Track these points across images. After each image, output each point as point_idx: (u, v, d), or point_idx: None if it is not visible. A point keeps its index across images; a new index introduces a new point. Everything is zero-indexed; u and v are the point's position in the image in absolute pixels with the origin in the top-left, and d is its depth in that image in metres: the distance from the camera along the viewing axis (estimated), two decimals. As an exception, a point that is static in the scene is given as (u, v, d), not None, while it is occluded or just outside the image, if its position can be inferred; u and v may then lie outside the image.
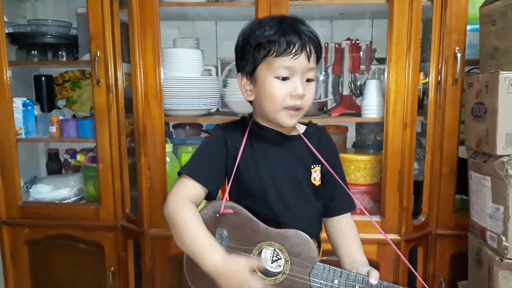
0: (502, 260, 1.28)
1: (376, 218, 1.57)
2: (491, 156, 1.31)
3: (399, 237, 1.56)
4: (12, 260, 1.78)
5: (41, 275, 1.80)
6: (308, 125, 1.08)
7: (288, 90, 0.92)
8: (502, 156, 1.26)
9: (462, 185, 1.54)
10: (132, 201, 1.71)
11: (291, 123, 0.95)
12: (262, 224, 0.93)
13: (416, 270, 1.66)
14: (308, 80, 0.94)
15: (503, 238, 1.28)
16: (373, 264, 1.56)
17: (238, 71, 1.00)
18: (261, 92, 0.95)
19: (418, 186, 1.62)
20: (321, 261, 0.92)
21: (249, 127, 1.01)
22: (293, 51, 0.89)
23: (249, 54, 0.94)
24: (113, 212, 1.70)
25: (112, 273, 1.73)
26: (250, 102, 1.02)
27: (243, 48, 0.95)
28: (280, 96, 0.92)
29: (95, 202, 1.76)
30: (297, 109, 0.94)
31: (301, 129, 1.05)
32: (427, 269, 1.65)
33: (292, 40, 0.89)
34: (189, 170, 0.97)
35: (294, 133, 1.03)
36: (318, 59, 0.95)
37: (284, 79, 0.92)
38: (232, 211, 0.95)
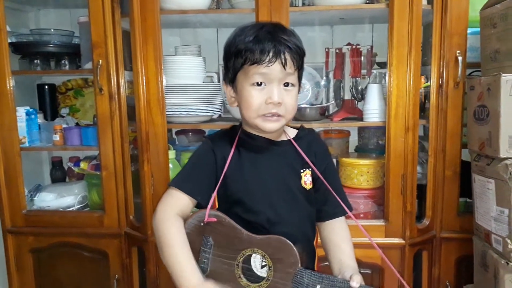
0: (508, 264, 1.28)
1: (380, 222, 1.57)
2: (495, 159, 1.31)
3: (403, 241, 1.55)
4: (17, 269, 1.78)
5: (46, 283, 1.81)
6: (300, 129, 1.08)
7: (263, 97, 0.93)
8: (506, 158, 1.26)
9: (466, 188, 1.54)
10: (135, 208, 1.71)
11: (269, 127, 0.95)
12: (244, 231, 0.94)
13: (421, 274, 1.65)
14: (287, 85, 0.94)
15: (509, 241, 1.27)
16: (377, 269, 1.56)
17: (223, 78, 1.02)
18: (240, 99, 0.97)
19: (421, 190, 1.61)
20: (319, 267, 0.92)
21: (238, 136, 1.02)
22: (267, 59, 0.90)
23: (230, 61, 0.96)
24: (117, 219, 1.71)
25: (116, 280, 1.73)
26: None
27: (225, 56, 0.98)
28: (255, 104, 0.93)
29: (99, 209, 1.76)
30: (277, 115, 0.94)
31: (292, 134, 1.06)
32: (432, 272, 1.65)
33: (265, 48, 0.90)
34: (177, 182, 1.00)
35: (283, 138, 1.04)
36: (298, 66, 0.95)
37: (259, 84, 0.93)
38: (216, 219, 0.96)
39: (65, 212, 1.78)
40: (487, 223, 1.37)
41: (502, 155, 1.26)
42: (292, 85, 0.95)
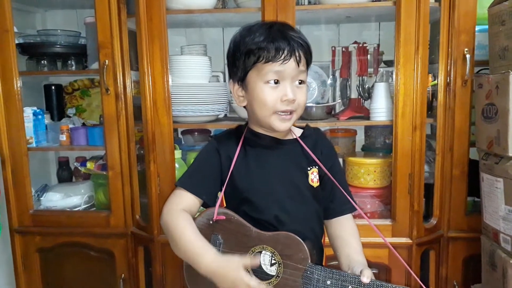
0: (516, 263, 1.26)
1: (387, 222, 1.56)
2: (503, 158, 1.29)
3: (410, 241, 1.54)
4: (24, 268, 1.79)
5: (53, 282, 1.81)
6: (305, 128, 1.09)
7: (278, 95, 0.94)
8: (515, 157, 1.25)
9: (474, 187, 1.52)
10: (142, 208, 1.71)
11: (284, 127, 0.97)
12: (253, 229, 0.94)
13: (428, 274, 1.64)
14: (300, 82, 0.96)
15: (517, 240, 1.27)
16: (385, 268, 1.55)
17: (230, 78, 1.02)
18: (252, 98, 0.97)
19: (429, 189, 1.60)
20: (328, 266, 0.91)
21: (244, 135, 1.03)
22: (282, 57, 0.91)
23: (240, 60, 0.96)
24: (123, 219, 1.71)
25: (123, 280, 1.73)
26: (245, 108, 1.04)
27: (234, 55, 0.98)
28: (270, 101, 0.94)
29: (105, 209, 1.76)
30: (289, 113, 0.95)
31: (298, 133, 1.07)
32: (439, 272, 1.63)
33: (281, 46, 0.91)
34: (183, 182, 1.02)
35: (289, 137, 1.05)
36: (308, 63, 0.97)
37: (274, 82, 0.93)
38: (224, 217, 0.97)
39: (72, 212, 1.79)
40: (496, 222, 1.35)
41: (511, 154, 1.25)
42: (303, 82, 0.97)
